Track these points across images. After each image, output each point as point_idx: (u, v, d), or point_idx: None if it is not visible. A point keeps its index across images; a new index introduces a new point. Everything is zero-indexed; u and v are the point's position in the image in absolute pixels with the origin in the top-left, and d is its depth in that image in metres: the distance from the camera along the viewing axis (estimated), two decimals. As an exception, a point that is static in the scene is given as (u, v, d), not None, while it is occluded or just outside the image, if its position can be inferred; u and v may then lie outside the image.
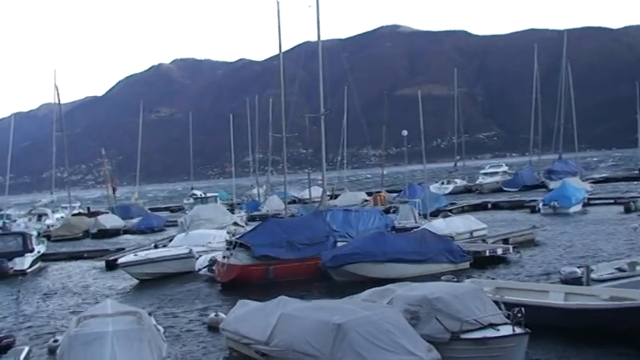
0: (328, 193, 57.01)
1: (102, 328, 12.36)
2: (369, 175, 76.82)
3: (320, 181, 61.11)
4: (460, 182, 75.89)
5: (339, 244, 25.81)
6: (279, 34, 35.52)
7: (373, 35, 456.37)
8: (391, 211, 45.03)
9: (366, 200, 60.10)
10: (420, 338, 11.78)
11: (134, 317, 13.36)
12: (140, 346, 12.05)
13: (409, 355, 11.11)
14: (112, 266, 32.04)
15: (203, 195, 74.13)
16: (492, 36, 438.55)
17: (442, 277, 17.69)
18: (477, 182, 74.72)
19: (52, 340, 16.50)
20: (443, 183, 74.57)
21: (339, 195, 62.79)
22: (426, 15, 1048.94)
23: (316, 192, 58.97)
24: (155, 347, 12.46)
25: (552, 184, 58.90)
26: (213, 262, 25.63)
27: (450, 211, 44.23)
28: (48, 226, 58.52)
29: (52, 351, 15.88)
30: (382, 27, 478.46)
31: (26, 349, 13.89)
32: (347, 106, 74.87)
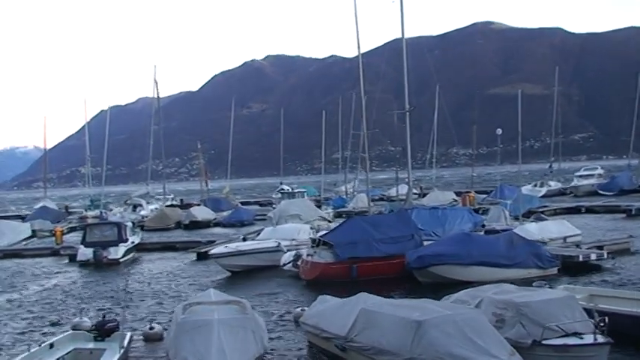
0: (417, 191, 56.59)
1: (208, 315, 12.79)
2: (474, 174, 75.18)
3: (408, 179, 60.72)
4: (554, 185, 73.08)
5: (425, 242, 25.49)
6: (357, 32, 35.52)
7: (465, 32, 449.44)
8: (480, 212, 44.21)
9: (455, 200, 59.30)
10: (504, 341, 11.64)
11: (238, 306, 13.75)
12: (245, 335, 12.38)
13: (489, 356, 10.97)
14: (202, 257, 32.96)
15: (291, 190, 74.93)
16: (590, 34, 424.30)
17: (534, 283, 17.23)
18: (572, 185, 72.16)
19: (147, 327, 16.86)
20: (536, 185, 72.30)
21: (427, 194, 62.26)
22: (520, 11, 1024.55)
23: (403, 190, 58.52)
24: (258, 336, 12.78)
25: (650, 189, 56.38)
26: (297, 257, 25.81)
27: (542, 212, 42.92)
28: (142, 217, 60.52)
29: (147, 337, 16.32)
30: (475, 24, 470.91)
31: (129, 334, 14.27)
32: (437, 104, 73.93)
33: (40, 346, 13.25)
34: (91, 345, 13.80)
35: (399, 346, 11.51)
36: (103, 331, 14.00)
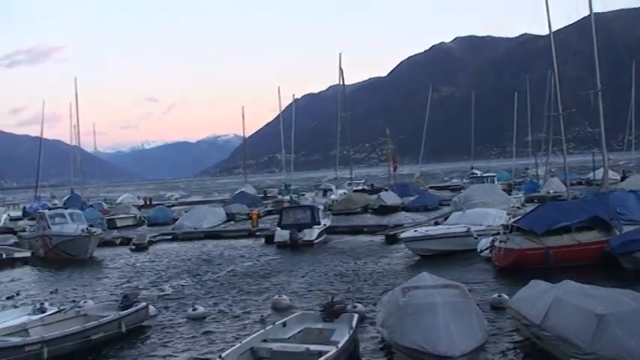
0: (618, 175, 53.25)
1: (430, 299, 12.68)
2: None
3: (608, 161, 57.34)
4: None
5: (625, 228, 24.06)
6: (547, 8, 33.89)
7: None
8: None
9: (658, 185, 55.10)
10: None
11: (458, 290, 13.62)
12: (469, 319, 12.26)
13: None
14: (391, 240, 33.44)
15: (480, 174, 73.62)
16: None
17: None
18: None
19: (349, 305, 17.01)
20: None
21: (626, 177, 58.62)
22: None
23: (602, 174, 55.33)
24: (481, 322, 12.73)
25: None
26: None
27: None
28: (332, 201, 62.47)
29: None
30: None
31: (356, 316, 14.59)
32: (635, 80, 69.31)
33: (274, 324, 14.27)
34: (320, 325, 14.53)
35: (582, 339, 11.05)
36: (332, 312, 14.65)
